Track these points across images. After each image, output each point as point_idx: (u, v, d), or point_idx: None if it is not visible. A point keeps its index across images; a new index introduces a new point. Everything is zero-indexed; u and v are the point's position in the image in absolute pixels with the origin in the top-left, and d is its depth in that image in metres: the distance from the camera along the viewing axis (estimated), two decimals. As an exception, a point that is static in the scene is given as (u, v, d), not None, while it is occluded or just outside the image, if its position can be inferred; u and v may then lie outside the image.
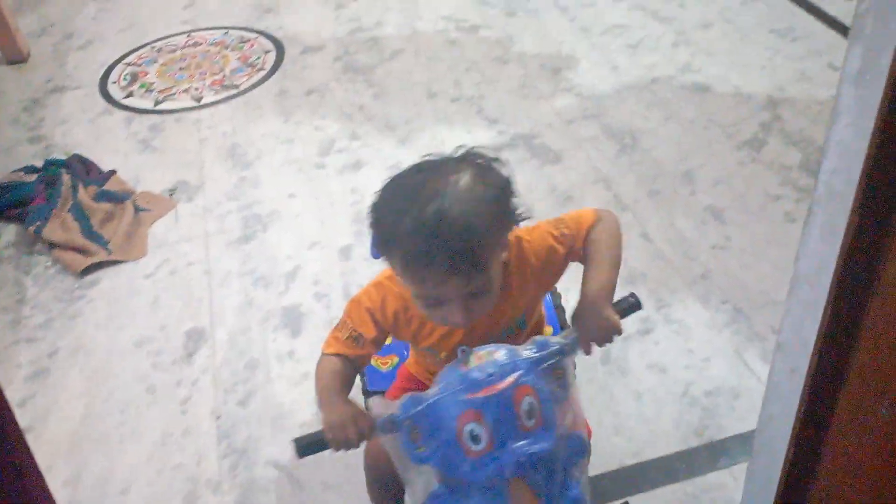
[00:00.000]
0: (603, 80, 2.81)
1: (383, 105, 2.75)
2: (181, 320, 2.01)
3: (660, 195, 2.26)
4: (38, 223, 2.25)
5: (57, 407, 1.82)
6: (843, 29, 2.94)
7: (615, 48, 2.99)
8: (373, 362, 1.42)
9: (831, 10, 3.05)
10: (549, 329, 1.35)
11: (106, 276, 2.17)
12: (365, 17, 3.34)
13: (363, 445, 1.02)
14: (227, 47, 3.25)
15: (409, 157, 1.31)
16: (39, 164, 2.50)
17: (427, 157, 1.02)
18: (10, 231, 2.34)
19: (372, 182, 1.07)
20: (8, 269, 2.21)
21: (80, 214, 2.28)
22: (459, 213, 0.92)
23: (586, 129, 2.56)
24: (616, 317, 1.02)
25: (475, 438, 0.95)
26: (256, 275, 2.12)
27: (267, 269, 2.14)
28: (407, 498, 1.13)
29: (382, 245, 0.99)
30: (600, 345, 1.01)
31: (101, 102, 2.95)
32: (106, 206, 2.33)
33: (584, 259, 1.10)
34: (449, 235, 0.91)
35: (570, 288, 1.73)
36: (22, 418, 0.96)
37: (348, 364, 1.09)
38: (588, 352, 1.01)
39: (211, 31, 3.37)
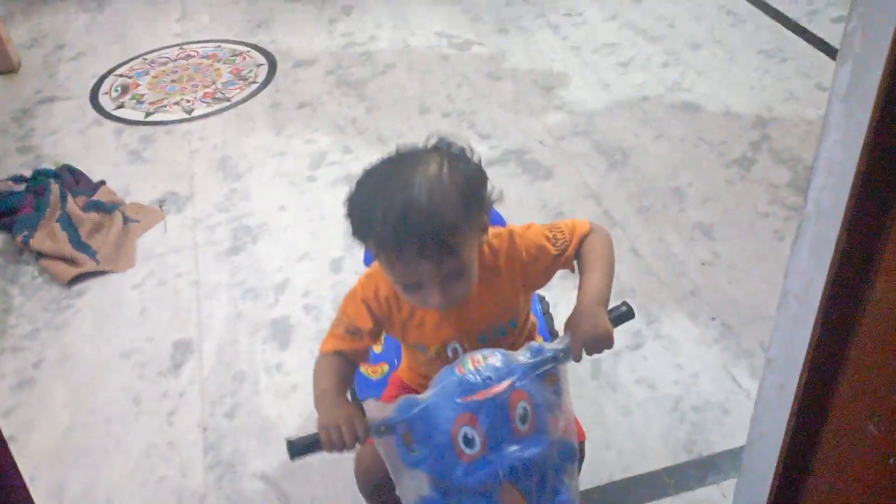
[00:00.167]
0: (594, 98, 2.83)
1: (375, 119, 2.75)
2: (168, 332, 1.99)
3: (650, 211, 2.27)
4: (26, 232, 2.24)
5: (41, 417, 1.80)
6: (830, 50, 2.98)
7: (606, 66, 3.01)
8: (363, 370, 1.41)
9: (819, 31, 3.09)
10: (539, 339, 1.35)
11: (93, 287, 2.15)
12: (358, 31, 3.36)
13: (356, 448, 1.01)
14: (219, 60, 3.26)
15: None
16: (28, 173, 2.49)
17: (400, 148, 1.06)
18: (-2, 240, 2.32)
19: None
20: (-6, 279, 2.19)
21: (69, 224, 2.27)
22: (427, 200, 0.95)
23: (577, 146, 2.58)
24: (609, 325, 1.02)
25: (469, 442, 0.95)
26: (245, 287, 2.11)
27: (256, 282, 2.13)
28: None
29: (357, 234, 1.02)
30: (590, 353, 1.01)
31: (92, 113, 2.94)
32: (94, 216, 2.32)
33: (577, 267, 1.12)
34: (417, 222, 0.94)
35: (559, 300, 1.75)
36: (5, 428, 0.95)
37: (346, 362, 1.10)
38: (578, 358, 1.01)
39: (203, 44, 3.38)
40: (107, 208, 2.35)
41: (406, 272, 0.99)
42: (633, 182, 2.40)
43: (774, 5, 3.29)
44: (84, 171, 2.54)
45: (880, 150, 0.81)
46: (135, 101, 3.00)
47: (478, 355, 0.99)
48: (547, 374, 0.99)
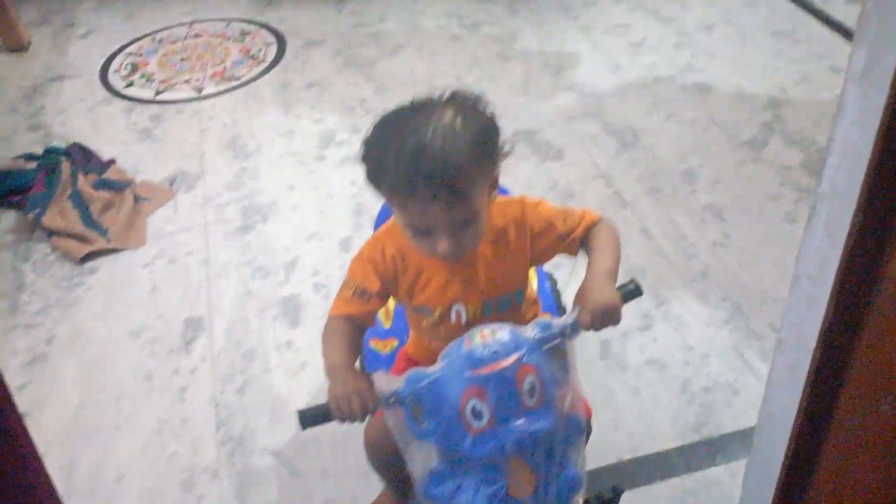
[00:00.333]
0: (604, 79, 2.81)
1: (384, 100, 2.74)
2: (179, 309, 2.00)
3: (660, 193, 2.27)
4: (38, 210, 2.25)
5: (53, 394, 1.82)
6: (845, 32, 2.95)
7: (617, 47, 2.99)
8: (372, 346, 1.43)
9: (834, 12, 3.06)
10: (547, 314, 1.36)
11: (104, 265, 2.16)
12: (367, 11, 3.34)
13: (367, 419, 1.03)
14: (228, 39, 3.25)
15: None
16: (39, 151, 2.50)
17: (415, 97, 1.08)
18: (10, 218, 2.33)
19: None
20: (6, 256, 2.20)
21: (80, 202, 2.28)
22: (440, 145, 0.97)
23: (587, 127, 2.57)
24: (617, 297, 1.03)
25: (477, 415, 0.96)
26: (255, 265, 2.12)
27: (266, 260, 2.14)
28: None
29: (371, 177, 1.04)
30: (598, 326, 1.02)
31: (102, 92, 2.94)
32: (105, 194, 2.32)
33: (582, 252, 1.14)
34: (429, 165, 0.96)
35: (569, 279, 1.75)
36: (18, 404, 0.96)
37: (354, 326, 1.11)
38: (587, 326, 1.02)
39: (213, 23, 3.36)
40: (117, 186, 2.36)
41: (417, 215, 1.00)
42: (644, 163, 2.39)
43: (788, -14, 3.26)
44: (94, 149, 2.54)
45: (895, 131, 0.81)
46: (144, 80, 2.99)
47: (486, 329, 1.00)
48: (555, 348, 1.00)
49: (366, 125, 1.07)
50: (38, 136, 2.68)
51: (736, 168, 2.34)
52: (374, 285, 1.12)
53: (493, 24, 3.19)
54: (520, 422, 0.96)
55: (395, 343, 1.41)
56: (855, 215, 0.88)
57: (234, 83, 2.94)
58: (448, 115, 1.01)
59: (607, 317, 1.02)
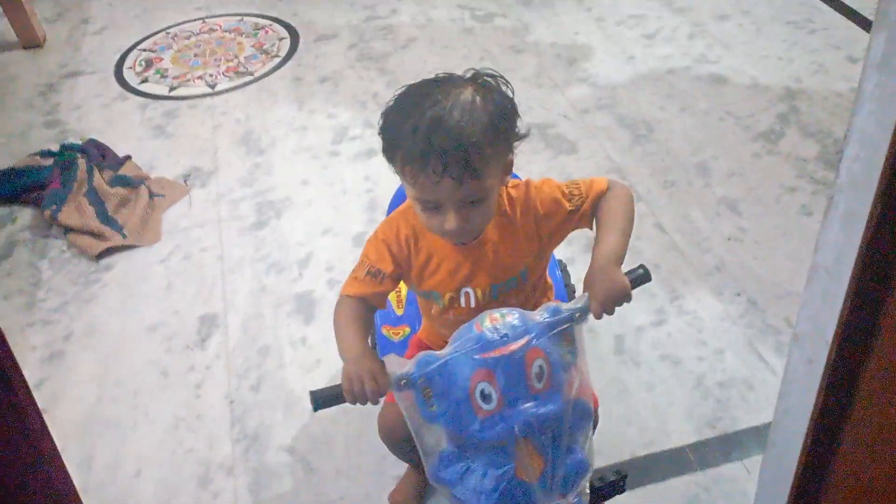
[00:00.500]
0: (618, 71, 2.79)
1: (397, 93, 2.74)
2: (194, 305, 2.01)
3: (674, 186, 2.25)
4: (54, 207, 2.26)
5: (70, 389, 1.83)
6: (862, 21, 2.91)
7: (631, 39, 2.97)
8: (385, 333, 1.45)
9: (850, 1, 3.02)
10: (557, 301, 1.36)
11: (120, 261, 2.17)
12: (379, 5, 3.33)
13: (381, 403, 1.04)
14: (241, 34, 3.25)
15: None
16: (55, 148, 2.51)
17: (438, 74, 1.09)
18: (27, 214, 2.35)
19: (385, 170, 1.11)
20: (24, 253, 2.22)
21: (96, 199, 2.29)
22: (457, 120, 0.99)
23: (601, 119, 2.55)
24: (625, 280, 1.03)
25: (486, 397, 0.97)
26: (269, 261, 2.13)
27: (280, 256, 2.14)
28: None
29: (387, 147, 1.05)
30: (610, 309, 1.02)
31: (116, 88, 2.95)
32: (121, 191, 2.34)
33: (594, 224, 1.13)
34: (444, 138, 0.97)
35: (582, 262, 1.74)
36: (36, 400, 0.97)
37: (366, 306, 1.12)
38: (598, 315, 1.02)
39: (226, 18, 3.37)
40: (133, 183, 2.37)
41: (428, 189, 1.01)
42: (658, 156, 2.37)
43: (804, -25, 3.22)
44: (109, 145, 2.55)
45: (916, 121, 0.79)
46: (159, 76, 3.00)
47: (496, 313, 1.01)
48: (564, 333, 1.01)
49: (379, 119, 1.08)
50: (53, 133, 2.70)
51: (751, 160, 2.32)
52: (388, 266, 1.13)
53: (506, 16, 3.18)
54: (528, 405, 0.97)
55: (408, 330, 1.43)
56: (873, 206, 0.86)
57: (248, 78, 2.95)
58: (468, 92, 1.02)
59: (616, 301, 1.03)
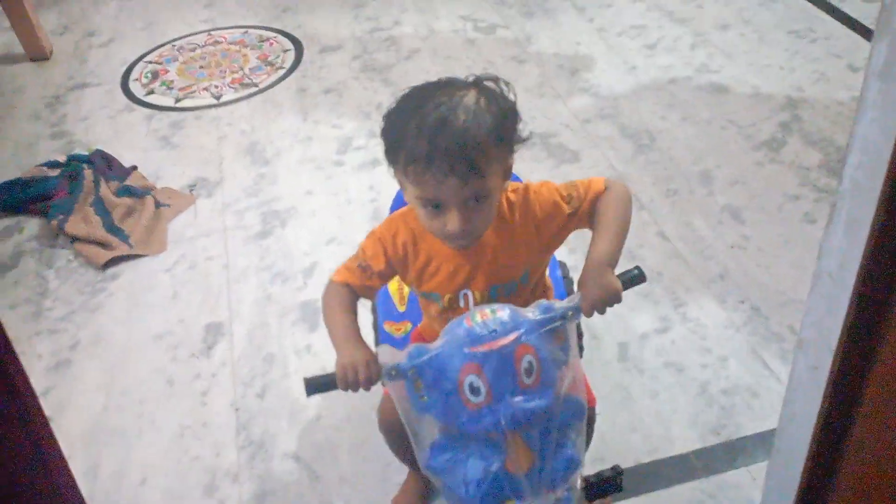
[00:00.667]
0: (620, 81, 2.81)
1: (401, 104, 2.75)
2: (200, 314, 2.02)
3: (677, 195, 2.26)
4: (61, 217, 2.28)
5: (76, 398, 1.84)
6: (862, 30, 2.93)
7: (632, 49, 2.99)
8: (386, 328, 1.47)
9: (851, 11, 3.04)
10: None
11: (126, 271, 2.19)
12: (383, 16, 3.36)
13: (380, 398, 1.05)
14: (246, 46, 3.27)
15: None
16: (62, 158, 2.53)
17: (440, 78, 1.11)
18: (34, 224, 2.37)
19: (389, 179, 1.13)
20: (31, 262, 2.24)
21: (102, 209, 2.30)
22: (461, 121, 1.00)
23: (603, 129, 2.57)
24: (618, 283, 1.05)
25: (475, 391, 0.99)
26: (274, 270, 2.14)
27: (285, 265, 2.15)
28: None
29: (390, 149, 1.06)
30: (601, 310, 1.04)
31: (123, 99, 2.98)
32: (127, 200, 2.35)
33: (591, 225, 1.15)
34: (449, 137, 0.99)
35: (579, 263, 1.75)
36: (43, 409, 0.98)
37: (353, 295, 1.15)
38: (589, 314, 1.04)
39: (230, 30, 3.39)
40: (138, 193, 2.39)
41: (432, 187, 1.02)
42: (660, 165, 2.38)
43: (805, -15, 3.25)
44: (115, 156, 2.57)
45: (918, 128, 0.80)
46: (164, 88, 3.03)
47: (486, 309, 1.03)
48: (555, 331, 1.03)
49: (381, 130, 1.09)
50: (61, 144, 2.72)
51: (754, 169, 2.33)
52: (380, 264, 1.15)
53: (508, 28, 3.20)
54: (516, 399, 0.99)
55: (409, 326, 1.45)
56: (876, 213, 0.87)
57: (253, 90, 2.97)
58: (471, 94, 1.05)
59: (607, 304, 1.04)
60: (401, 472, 1.54)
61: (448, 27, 3.25)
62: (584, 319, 1.08)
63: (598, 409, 1.34)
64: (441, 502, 1.50)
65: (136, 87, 3.04)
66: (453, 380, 1.00)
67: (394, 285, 1.50)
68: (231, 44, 3.30)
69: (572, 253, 1.93)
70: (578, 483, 1.08)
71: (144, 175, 2.52)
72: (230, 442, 1.70)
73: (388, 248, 1.16)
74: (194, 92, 2.99)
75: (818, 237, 0.97)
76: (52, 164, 2.50)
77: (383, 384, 1.06)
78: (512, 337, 1.00)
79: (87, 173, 2.38)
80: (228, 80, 3.05)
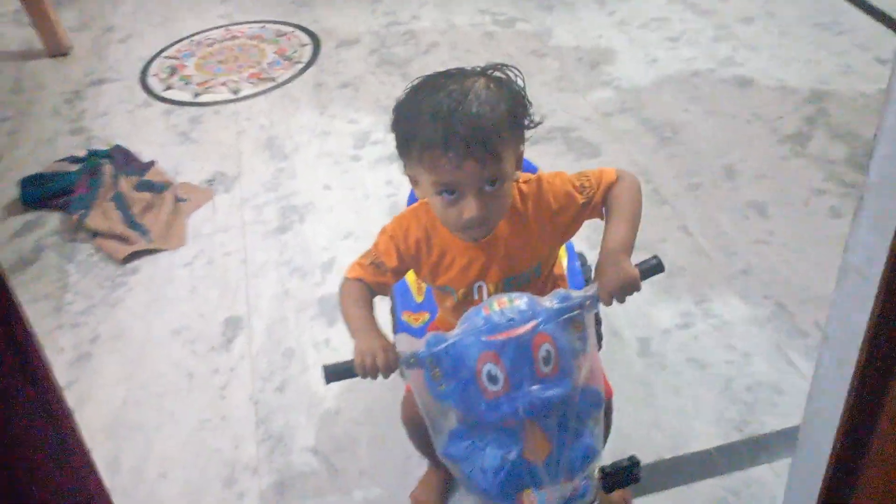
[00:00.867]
0: (642, 74, 2.78)
1: (419, 98, 2.74)
2: (219, 309, 2.03)
3: (700, 189, 2.23)
4: (81, 212, 2.29)
5: (97, 391, 1.85)
6: (889, 22, 2.88)
7: (654, 42, 2.95)
8: (405, 319, 1.47)
9: (877, 2, 2.98)
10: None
11: (145, 265, 2.20)
12: (401, 10, 3.35)
13: (397, 389, 1.05)
14: (264, 41, 3.28)
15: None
16: (82, 154, 2.55)
17: (448, 69, 1.11)
18: (54, 219, 2.38)
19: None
20: (52, 256, 2.25)
21: (122, 204, 2.32)
22: (475, 106, 1.01)
23: (625, 123, 2.54)
24: (634, 269, 1.04)
25: (492, 379, 0.99)
26: (293, 265, 2.14)
27: (303, 260, 2.15)
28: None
29: (403, 140, 1.06)
30: (619, 298, 1.03)
31: (141, 95, 2.99)
32: (146, 195, 2.36)
33: (603, 215, 1.14)
34: (465, 121, 0.99)
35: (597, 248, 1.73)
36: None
37: (368, 290, 1.15)
38: (608, 302, 1.03)
39: (248, 25, 3.40)
40: (157, 188, 2.40)
41: (449, 172, 1.02)
42: (683, 159, 2.35)
43: (830, -24, 3.19)
44: (134, 151, 2.59)
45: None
46: (183, 83, 3.04)
47: (504, 298, 1.02)
48: (573, 320, 1.02)
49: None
50: (80, 140, 2.74)
51: (779, 163, 2.30)
52: (392, 261, 1.15)
53: (528, 21, 3.18)
54: (534, 388, 0.98)
55: (427, 316, 1.45)
56: (905, 206, 0.85)
57: (270, 84, 2.97)
58: (482, 81, 1.05)
59: (626, 291, 1.03)
60: (420, 466, 1.53)
61: (467, 21, 3.23)
62: (603, 312, 1.07)
63: (618, 404, 1.33)
64: (460, 496, 1.49)
65: (154, 83, 3.06)
66: (471, 368, 0.99)
67: (411, 275, 1.50)
68: (248, 38, 3.31)
69: (593, 249, 1.92)
70: (596, 473, 1.07)
71: (163, 170, 2.53)
72: (249, 435, 1.70)
73: (400, 245, 1.16)
74: (212, 87, 3.00)
75: (844, 232, 0.95)
76: (73, 160, 2.52)
77: (401, 373, 1.06)
78: (530, 326, 0.99)
79: (107, 168, 2.40)
80: (246, 74, 3.05)
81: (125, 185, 2.38)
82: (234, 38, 3.33)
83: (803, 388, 1.34)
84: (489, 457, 1.02)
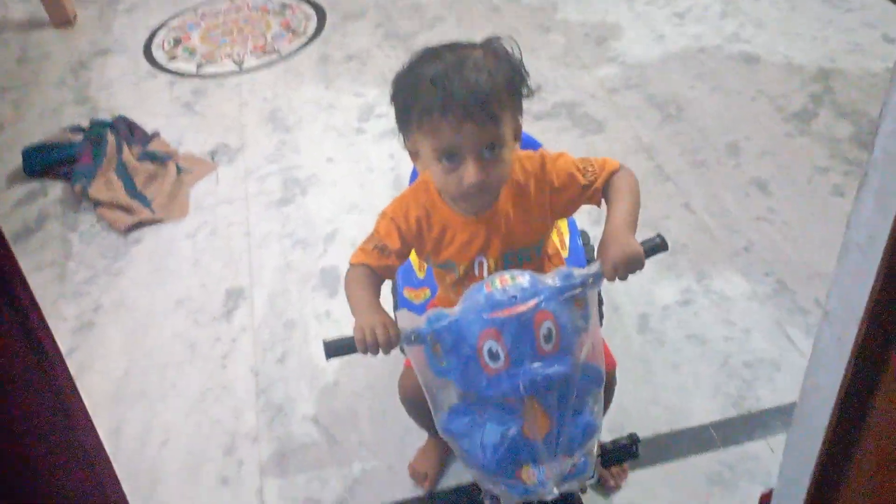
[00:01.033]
0: (648, 50, 2.75)
1: (424, 72, 2.73)
2: (221, 279, 2.04)
3: (704, 166, 2.22)
4: (84, 181, 2.30)
5: (100, 360, 1.86)
6: (900, -1, 2.84)
7: (661, 17, 2.93)
8: (406, 295, 1.48)
9: (888, -21, 2.95)
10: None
11: (148, 235, 2.20)
12: (407, -17, 3.32)
13: (398, 362, 1.05)
14: (268, 13, 3.26)
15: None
16: (85, 124, 2.54)
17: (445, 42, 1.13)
18: (58, 188, 2.39)
19: None
20: (55, 226, 2.26)
21: (125, 174, 2.32)
22: (473, 73, 1.02)
23: (630, 99, 2.52)
24: (639, 246, 1.04)
25: (493, 356, 0.99)
26: (295, 237, 2.14)
27: (306, 232, 2.15)
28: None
29: (402, 108, 1.07)
30: (623, 274, 1.03)
31: (146, 66, 2.98)
32: (149, 166, 2.36)
33: (605, 200, 1.15)
34: (463, 85, 1.01)
35: (599, 225, 1.73)
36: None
37: (374, 274, 1.15)
38: (611, 278, 1.03)
39: (253, -4, 3.38)
40: (161, 158, 2.40)
41: (448, 135, 1.03)
42: (688, 136, 2.34)
43: (841, -48, 3.15)
44: (138, 122, 2.58)
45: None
46: (187, 54, 3.02)
47: (506, 275, 1.02)
48: (576, 298, 1.02)
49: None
50: (85, 110, 2.73)
51: (783, 140, 2.29)
52: (395, 243, 1.15)
53: (534, -4, 3.15)
54: (535, 365, 0.99)
55: (428, 293, 1.45)
56: (908, 182, 0.85)
57: (275, 57, 2.96)
58: (478, 52, 1.07)
59: (630, 267, 1.03)
60: (419, 438, 1.54)
61: (473, -6, 3.20)
62: (604, 289, 1.07)
63: (617, 380, 1.33)
64: (458, 466, 1.51)
65: (158, 54, 3.04)
66: (472, 345, 0.99)
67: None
68: (253, 10, 3.28)
69: (594, 224, 1.92)
70: (595, 449, 1.08)
71: (167, 141, 2.53)
72: (250, 405, 1.71)
73: (401, 225, 1.16)
74: (216, 58, 2.98)
75: (846, 210, 0.95)
76: (76, 129, 2.52)
77: (401, 350, 1.06)
78: (531, 303, 0.99)
79: (110, 139, 2.40)
80: (250, 46, 3.03)
81: (128, 155, 2.37)
82: (238, 9, 3.30)
83: (801, 365, 1.34)
84: (489, 433, 1.02)
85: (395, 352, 1.06)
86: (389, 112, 1.04)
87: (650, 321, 1.79)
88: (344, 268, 1.99)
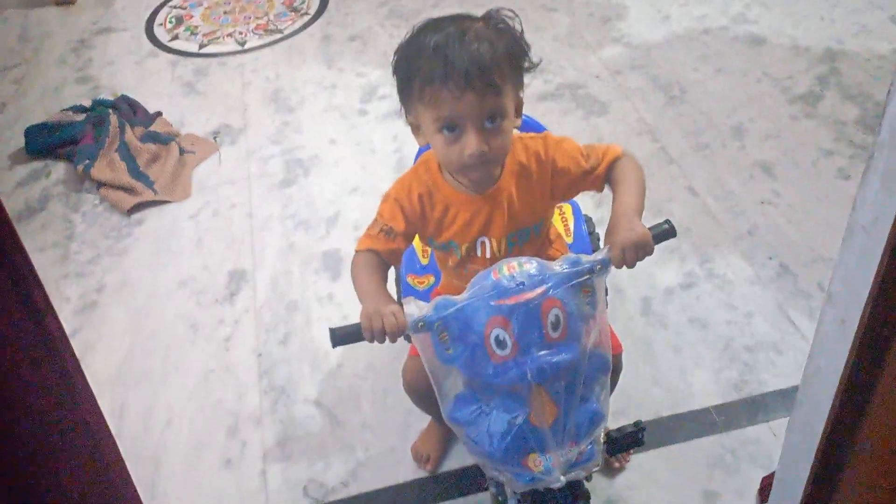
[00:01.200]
0: (653, 31, 2.73)
1: (427, 52, 2.71)
2: (223, 261, 2.03)
3: (708, 148, 2.21)
4: (87, 162, 2.29)
5: (103, 340, 1.87)
6: (908, -20, 2.81)
7: (666, -2, 2.90)
8: (410, 282, 1.47)
9: (897, -40, 2.91)
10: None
11: (151, 216, 2.20)
12: (410, -38, 3.28)
13: (402, 347, 1.06)
14: (271, -9, 3.23)
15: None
16: (88, 103, 2.53)
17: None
18: (60, 169, 2.38)
19: None
20: (58, 206, 2.26)
21: (127, 154, 2.31)
22: (475, 44, 1.02)
23: (634, 80, 2.51)
24: (646, 229, 1.03)
25: (500, 343, 0.98)
26: (298, 219, 2.14)
27: (308, 214, 2.15)
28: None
29: (404, 78, 1.07)
30: (630, 259, 1.02)
31: (147, 45, 2.96)
32: (152, 147, 2.36)
33: (610, 186, 1.15)
34: (464, 55, 1.01)
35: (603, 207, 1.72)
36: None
37: (381, 260, 1.15)
38: (619, 264, 1.03)
39: (255, -25, 3.35)
40: (163, 139, 2.39)
41: (450, 104, 1.02)
42: (691, 118, 2.33)
43: (850, -68, 3.11)
44: (140, 101, 2.57)
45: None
46: (189, 33, 3.00)
47: (514, 262, 1.02)
48: (583, 285, 1.01)
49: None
50: (87, 89, 2.72)
51: (788, 123, 2.27)
52: (400, 225, 1.15)
53: (539, -25, 3.12)
54: (542, 353, 0.98)
55: (432, 279, 1.45)
56: (914, 164, 0.84)
57: (277, 36, 2.94)
58: (480, 24, 1.07)
59: (639, 252, 1.02)
60: (422, 420, 1.55)
61: (476, -26, 3.17)
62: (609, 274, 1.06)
63: (623, 364, 1.33)
64: (460, 448, 1.51)
65: (160, 33, 3.02)
66: (479, 332, 0.99)
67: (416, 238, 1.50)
68: (256, -11, 3.26)
69: (599, 206, 1.91)
70: (602, 437, 1.08)
71: (169, 121, 2.52)
72: (253, 387, 1.72)
73: (404, 206, 1.15)
74: (219, 38, 2.96)
75: (852, 194, 0.94)
76: (78, 109, 2.51)
77: (407, 337, 1.05)
78: (539, 290, 0.98)
79: (113, 119, 2.39)
80: (253, 26, 3.01)
81: (131, 135, 2.37)
82: (240, -12, 3.28)
83: (804, 349, 1.35)
84: (496, 421, 1.02)
85: (401, 339, 1.06)
86: (392, 93, 1.04)
87: (653, 304, 1.78)
88: (346, 250, 2.02)
